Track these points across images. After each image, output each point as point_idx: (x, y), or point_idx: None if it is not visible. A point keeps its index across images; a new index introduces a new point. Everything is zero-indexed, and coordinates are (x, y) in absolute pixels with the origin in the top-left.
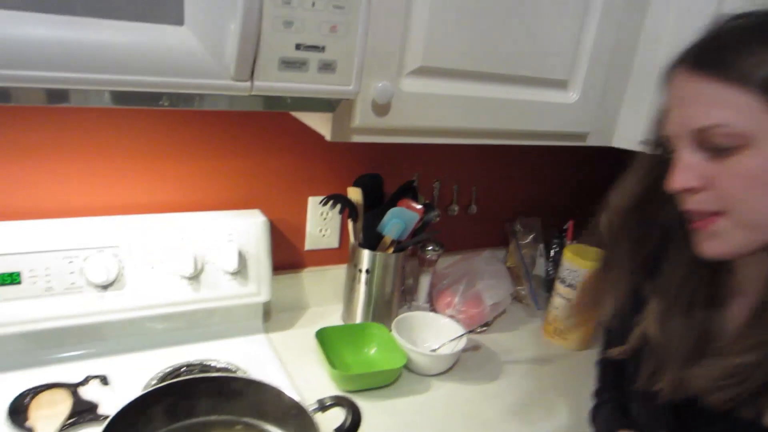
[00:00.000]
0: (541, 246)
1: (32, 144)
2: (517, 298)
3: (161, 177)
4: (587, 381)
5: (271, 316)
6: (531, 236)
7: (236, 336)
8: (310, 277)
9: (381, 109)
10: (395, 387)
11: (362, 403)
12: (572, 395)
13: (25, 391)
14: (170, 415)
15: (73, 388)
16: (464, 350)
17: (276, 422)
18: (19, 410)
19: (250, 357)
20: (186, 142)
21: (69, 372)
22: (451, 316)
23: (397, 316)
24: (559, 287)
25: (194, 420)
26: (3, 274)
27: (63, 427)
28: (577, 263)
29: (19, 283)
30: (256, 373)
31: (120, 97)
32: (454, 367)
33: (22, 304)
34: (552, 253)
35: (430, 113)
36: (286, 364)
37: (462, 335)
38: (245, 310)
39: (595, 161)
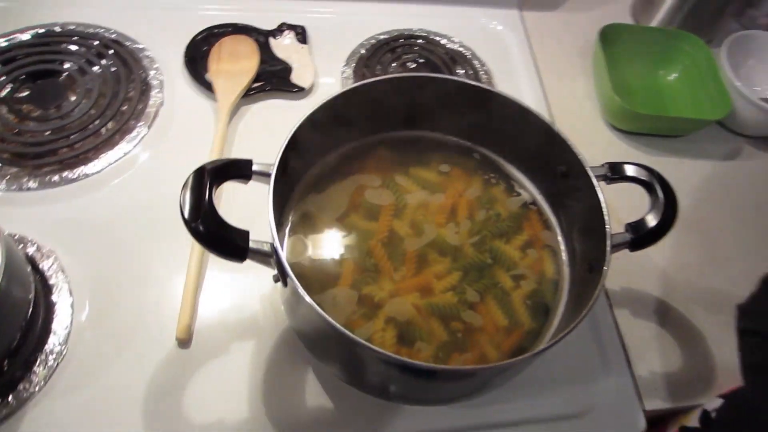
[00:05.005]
0: None
1: None
2: None
3: None
4: None
5: None
6: None
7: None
8: None
9: None
10: (690, 141)
11: (637, 153)
12: None
13: (203, 31)
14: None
15: (262, 37)
16: None
17: (526, 171)
18: (196, 57)
19: (493, 41)
20: None
21: (259, 16)
22: None
23: (728, 32)
24: None
25: (408, 133)
26: None
27: (248, 91)
28: None
29: None
30: (501, 71)
31: None
32: None
33: None
34: None
35: None
36: (540, 65)
37: None
38: None
39: None
